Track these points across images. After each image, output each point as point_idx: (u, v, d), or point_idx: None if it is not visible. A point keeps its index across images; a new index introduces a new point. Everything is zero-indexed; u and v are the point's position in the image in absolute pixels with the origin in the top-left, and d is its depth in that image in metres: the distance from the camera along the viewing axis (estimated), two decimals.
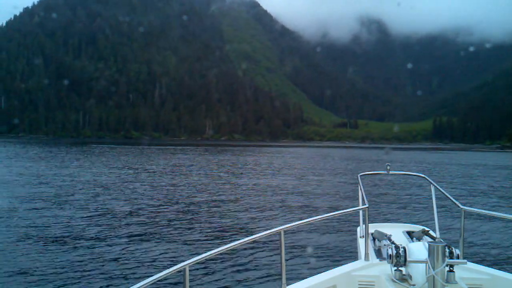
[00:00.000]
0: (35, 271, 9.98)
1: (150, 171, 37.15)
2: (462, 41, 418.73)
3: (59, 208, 18.24)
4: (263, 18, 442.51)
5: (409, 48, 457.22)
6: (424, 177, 5.74)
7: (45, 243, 12.58)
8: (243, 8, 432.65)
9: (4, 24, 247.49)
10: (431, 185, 5.28)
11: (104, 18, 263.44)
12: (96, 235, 13.68)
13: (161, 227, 14.96)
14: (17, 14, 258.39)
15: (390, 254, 3.67)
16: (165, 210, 18.56)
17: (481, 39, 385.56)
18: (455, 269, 3.57)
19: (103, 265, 10.49)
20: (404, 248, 3.68)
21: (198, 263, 3.26)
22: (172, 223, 15.76)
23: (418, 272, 3.58)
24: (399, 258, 3.63)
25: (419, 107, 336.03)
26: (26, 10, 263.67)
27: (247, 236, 3.83)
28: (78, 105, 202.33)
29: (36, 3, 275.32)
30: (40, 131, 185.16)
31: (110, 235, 13.76)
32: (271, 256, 11.21)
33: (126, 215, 17.33)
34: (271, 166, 47.11)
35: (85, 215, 17.14)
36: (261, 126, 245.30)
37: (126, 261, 10.85)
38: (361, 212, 5.49)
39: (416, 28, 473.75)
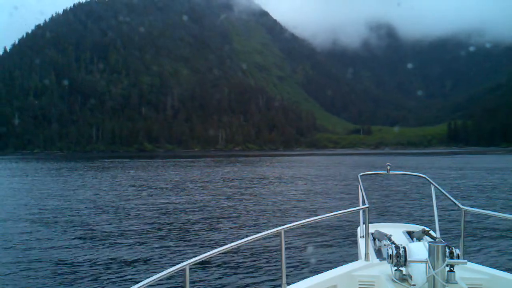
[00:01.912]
0: (35, 272, 10.22)
1: (159, 184, 37.47)
2: (474, 43, 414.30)
3: (63, 215, 18.57)
4: (273, 27, 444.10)
5: (420, 52, 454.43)
6: (424, 177, 5.72)
7: (45, 244, 12.89)
8: (252, 17, 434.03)
9: (16, 42, 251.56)
10: (431, 185, 5.28)
11: (115, 31, 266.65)
12: (96, 236, 13.94)
13: (161, 229, 15.20)
14: (29, 31, 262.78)
15: (390, 254, 3.67)
16: (166, 213, 18.76)
17: (494, 41, 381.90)
18: (455, 269, 3.56)
19: (103, 266, 10.67)
20: (404, 248, 3.68)
21: (198, 263, 3.23)
22: (173, 225, 15.97)
23: (418, 272, 3.57)
24: (399, 258, 3.63)
25: (433, 111, 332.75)
26: (38, 27, 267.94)
27: (247, 236, 3.82)
28: (91, 120, 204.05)
29: (47, 20, 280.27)
30: (54, 147, 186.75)
31: (110, 236, 14.01)
32: (271, 256, 11.30)
33: (127, 217, 17.61)
34: (283, 176, 47.14)
35: (86, 217, 17.53)
36: (274, 135, 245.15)
37: (126, 261, 11.02)
38: (361, 212, 5.54)
39: (426, 31, 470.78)
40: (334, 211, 5.05)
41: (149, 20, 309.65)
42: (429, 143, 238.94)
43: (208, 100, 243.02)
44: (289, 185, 33.59)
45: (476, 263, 4.40)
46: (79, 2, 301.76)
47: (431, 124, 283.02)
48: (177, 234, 14.50)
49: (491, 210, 5.17)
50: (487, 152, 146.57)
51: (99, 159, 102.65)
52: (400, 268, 3.77)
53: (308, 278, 4.17)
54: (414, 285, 3.63)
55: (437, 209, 5.19)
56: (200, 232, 14.90)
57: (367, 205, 4.68)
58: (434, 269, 3.36)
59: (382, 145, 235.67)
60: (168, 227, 15.71)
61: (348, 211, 5.18)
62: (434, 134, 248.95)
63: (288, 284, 3.93)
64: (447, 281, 3.47)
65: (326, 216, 4.88)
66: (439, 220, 5.08)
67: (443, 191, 5.04)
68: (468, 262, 3.94)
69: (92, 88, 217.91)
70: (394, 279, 3.80)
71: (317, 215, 5.36)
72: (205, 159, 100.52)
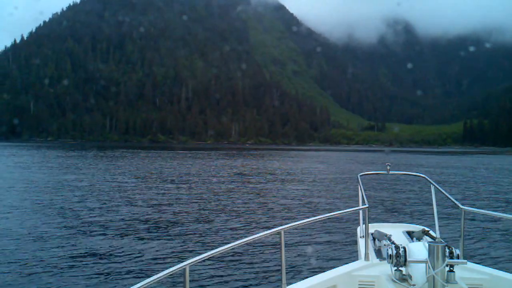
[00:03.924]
0: (35, 270, 10.21)
1: (165, 177, 37.63)
2: (494, 41, 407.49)
3: (62, 210, 18.52)
4: (289, 21, 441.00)
5: (438, 49, 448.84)
6: (424, 177, 5.73)
7: (45, 243, 12.81)
8: (268, 10, 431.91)
9: (33, 30, 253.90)
10: (431, 185, 5.27)
11: (131, 22, 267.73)
12: (96, 235, 13.90)
13: (161, 228, 15.17)
14: (46, 20, 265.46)
15: (390, 254, 3.69)
16: (166, 212, 18.68)
17: None
18: (455, 269, 3.58)
19: (103, 265, 10.67)
20: (404, 248, 3.70)
21: (198, 263, 3.24)
22: (173, 224, 15.95)
23: (418, 272, 3.59)
24: (399, 258, 3.65)
25: (449, 109, 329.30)
26: (54, 15, 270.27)
27: (247, 236, 3.83)
28: (105, 109, 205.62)
29: (64, 9, 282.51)
30: (68, 135, 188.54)
31: (110, 235, 14.00)
32: (271, 256, 11.28)
33: (127, 215, 17.56)
34: (292, 171, 47.03)
35: (86, 215, 17.41)
36: (288, 130, 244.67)
37: (127, 261, 11.02)
38: (361, 212, 5.56)
39: (445, 28, 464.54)
40: (334, 211, 5.12)
41: (163, 12, 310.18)
42: (444, 142, 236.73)
43: (222, 93, 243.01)
44: (296, 181, 33.51)
45: (476, 263, 4.43)
46: None
47: (447, 122, 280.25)
48: (176, 233, 14.42)
49: (491, 210, 5.16)
50: (502, 152, 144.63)
51: (111, 148, 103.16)
52: (400, 268, 3.77)
53: (308, 278, 4.18)
54: (414, 285, 3.63)
55: (437, 209, 5.17)
56: (200, 231, 14.85)
57: (367, 205, 4.67)
58: (434, 269, 3.38)
59: (396, 143, 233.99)
60: (168, 225, 15.63)
61: (348, 211, 5.22)
62: (450, 133, 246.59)
63: (288, 284, 3.92)
64: (447, 281, 3.48)
65: (326, 216, 4.90)
66: (439, 220, 5.06)
67: (443, 191, 5.04)
68: (468, 262, 3.97)
69: (107, 78, 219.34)
70: (394, 279, 3.80)
71: (317, 215, 5.33)
72: (217, 151, 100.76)
